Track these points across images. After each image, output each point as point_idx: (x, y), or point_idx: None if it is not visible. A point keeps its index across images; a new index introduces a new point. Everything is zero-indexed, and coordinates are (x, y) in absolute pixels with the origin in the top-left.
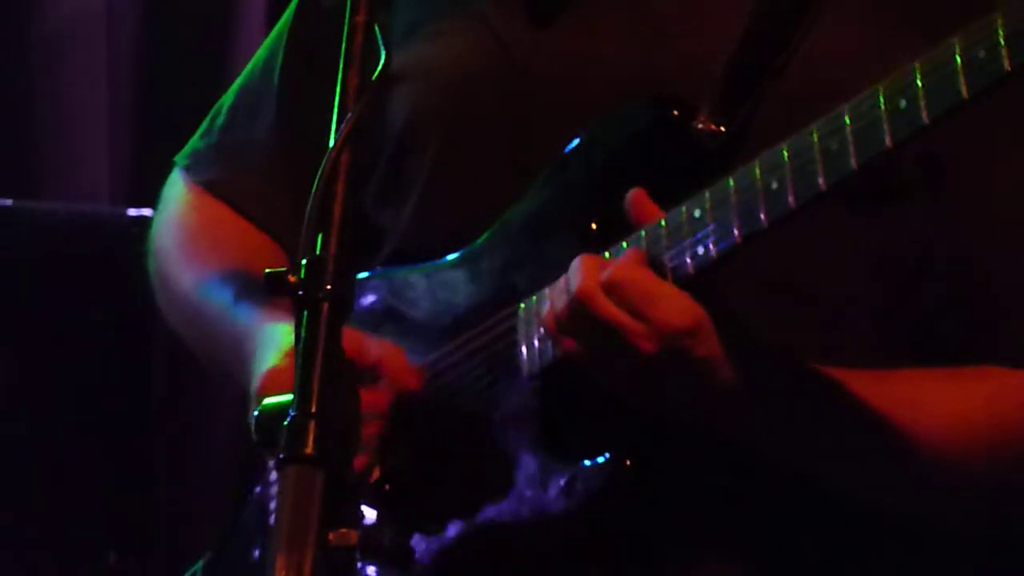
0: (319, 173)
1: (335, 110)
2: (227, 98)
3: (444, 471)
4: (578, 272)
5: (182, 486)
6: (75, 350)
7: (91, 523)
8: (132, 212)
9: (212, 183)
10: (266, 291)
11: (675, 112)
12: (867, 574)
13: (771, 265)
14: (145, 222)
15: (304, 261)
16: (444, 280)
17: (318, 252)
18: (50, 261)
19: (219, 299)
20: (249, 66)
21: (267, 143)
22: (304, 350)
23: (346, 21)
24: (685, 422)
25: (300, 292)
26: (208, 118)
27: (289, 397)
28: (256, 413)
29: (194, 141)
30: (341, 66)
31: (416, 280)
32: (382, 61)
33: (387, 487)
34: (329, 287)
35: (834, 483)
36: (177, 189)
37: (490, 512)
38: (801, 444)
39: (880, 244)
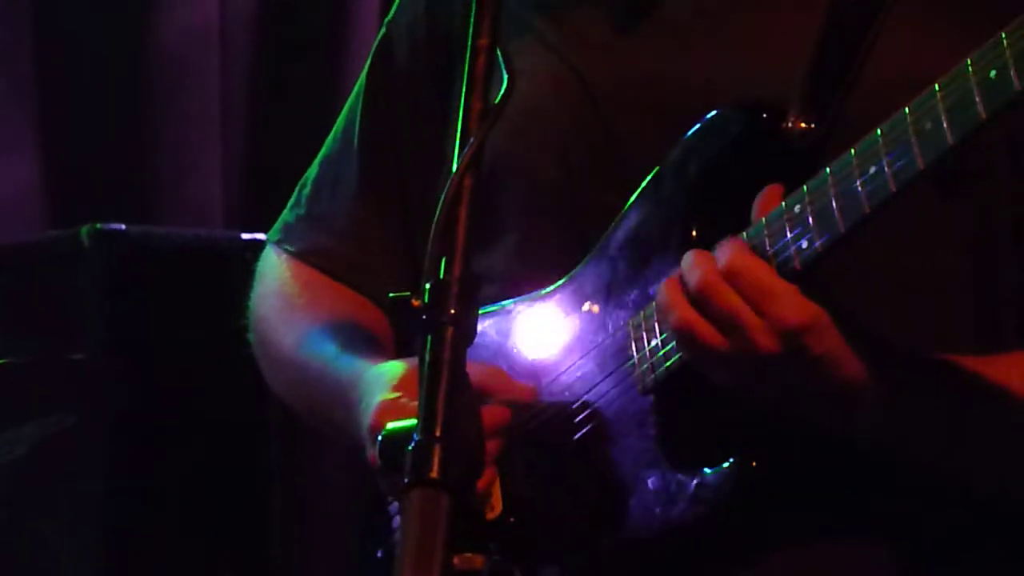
0: (442, 197)
1: (457, 134)
2: (312, 170)
3: (567, 498)
4: (694, 267)
5: (299, 508)
6: (189, 373)
7: (207, 547)
8: (245, 236)
9: (304, 252)
10: (390, 315)
11: (764, 115)
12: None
13: (869, 255)
14: (258, 246)
15: (428, 285)
16: (548, 309)
17: (441, 276)
18: (164, 285)
19: (322, 353)
20: (330, 137)
21: (352, 207)
22: (428, 374)
23: (468, 44)
24: (799, 422)
25: (424, 316)
26: (295, 192)
27: (413, 422)
28: (381, 438)
29: (284, 215)
30: (463, 90)
31: (519, 313)
32: (504, 85)
33: (511, 519)
34: (453, 311)
35: (951, 474)
36: (271, 262)
37: (618, 533)
38: (918, 436)
39: (972, 224)
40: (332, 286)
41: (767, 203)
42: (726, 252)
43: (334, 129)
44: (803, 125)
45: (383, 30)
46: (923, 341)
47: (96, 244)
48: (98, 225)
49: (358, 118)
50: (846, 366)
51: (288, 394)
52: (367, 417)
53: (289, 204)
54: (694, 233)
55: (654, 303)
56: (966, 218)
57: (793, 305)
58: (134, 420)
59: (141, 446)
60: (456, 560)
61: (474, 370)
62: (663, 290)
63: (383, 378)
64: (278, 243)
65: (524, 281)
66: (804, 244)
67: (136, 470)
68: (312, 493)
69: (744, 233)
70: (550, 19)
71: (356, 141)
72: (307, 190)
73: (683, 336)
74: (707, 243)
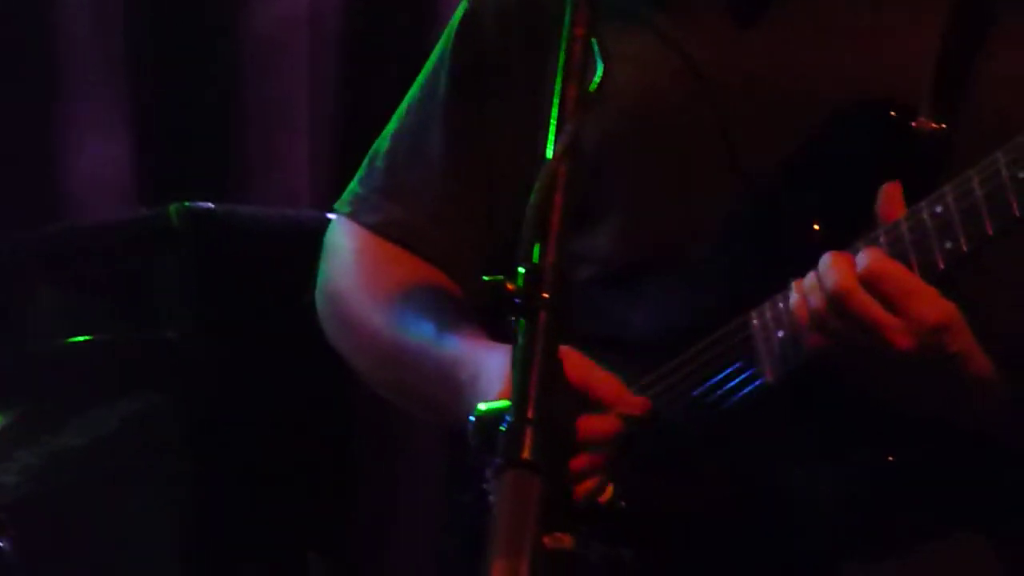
0: (537, 183)
1: (552, 121)
2: (382, 143)
3: (683, 485)
4: (832, 269)
5: (384, 487)
6: (276, 352)
7: (292, 525)
8: (333, 216)
9: (381, 225)
10: (484, 299)
11: (893, 113)
12: None
13: (987, 253)
14: None
15: (522, 270)
16: (658, 296)
17: (535, 261)
18: (251, 264)
19: (419, 333)
20: (401, 109)
21: (434, 181)
22: (521, 358)
23: (564, 33)
24: (932, 417)
25: (517, 300)
26: (365, 164)
27: (505, 403)
28: (473, 418)
29: (353, 187)
30: (559, 78)
31: (625, 298)
32: (599, 73)
33: (623, 504)
34: (546, 296)
35: None
36: (343, 236)
37: (739, 521)
38: None
39: None
40: (412, 261)
41: (889, 202)
42: (865, 256)
43: (407, 100)
44: (932, 125)
45: (465, 5)
46: None
47: (184, 223)
48: (187, 204)
49: (443, 86)
50: (977, 362)
51: (373, 367)
52: (484, 400)
53: (358, 176)
54: (816, 227)
55: (779, 296)
56: None
57: (933, 305)
58: (222, 399)
59: (229, 424)
60: (547, 540)
61: (593, 377)
62: (799, 285)
63: (499, 364)
64: (349, 216)
65: (628, 264)
66: (948, 245)
67: (223, 448)
68: (398, 472)
69: (881, 232)
70: (664, 8)
71: (441, 109)
72: (380, 162)
73: (818, 330)
74: (829, 236)
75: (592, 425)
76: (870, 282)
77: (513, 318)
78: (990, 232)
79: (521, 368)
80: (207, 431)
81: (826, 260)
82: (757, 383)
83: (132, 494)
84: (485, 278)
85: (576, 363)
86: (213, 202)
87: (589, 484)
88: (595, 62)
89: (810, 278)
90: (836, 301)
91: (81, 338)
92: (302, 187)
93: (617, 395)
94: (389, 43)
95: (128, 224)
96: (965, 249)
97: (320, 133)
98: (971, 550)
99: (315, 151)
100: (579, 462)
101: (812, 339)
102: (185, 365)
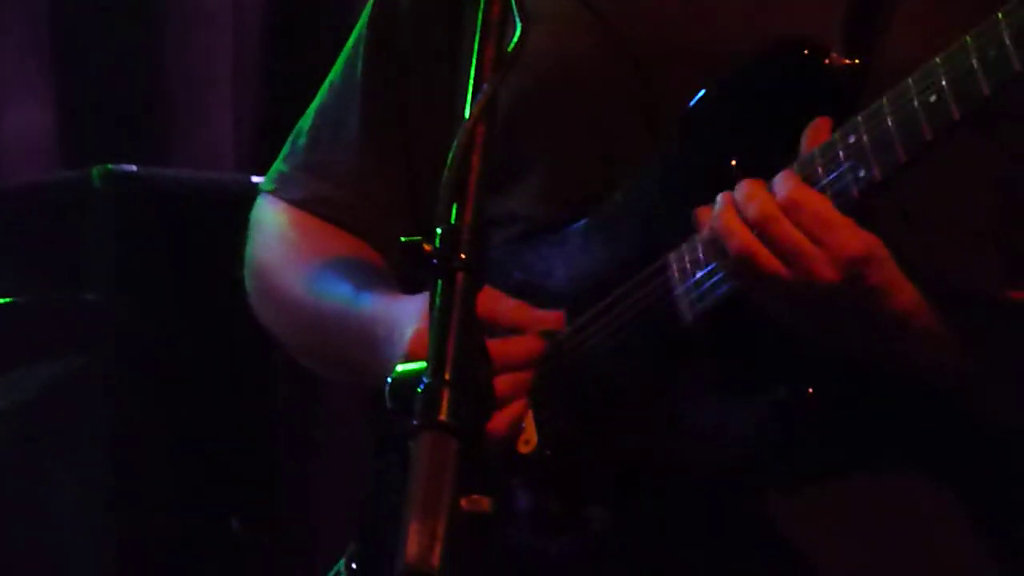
0: (455, 144)
1: (470, 81)
2: (305, 121)
3: (607, 432)
4: (751, 197)
5: (306, 452)
6: (198, 314)
7: (214, 490)
8: (256, 179)
9: (305, 201)
10: (401, 260)
11: (805, 51)
12: None
13: (900, 191)
14: None
15: (439, 230)
16: (578, 246)
17: (452, 222)
18: (173, 226)
19: (337, 293)
20: (325, 86)
21: (354, 154)
22: (438, 318)
23: None
24: (851, 354)
25: (435, 261)
26: (288, 143)
27: (423, 365)
28: (390, 380)
29: (277, 166)
30: (477, 37)
31: (546, 251)
32: (518, 33)
33: (547, 453)
34: (463, 256)
35: (997, 408)
36: (268, 212)
37: (665, 464)
38: (968, 372)
39: (1000, 162)
40: (335, 232)
41: (817, 135)
42: (783, 185)
43: (330, 78)
44: (845, 61)
45: None
46: (952, 279)
47: (107, 185)
48: (109, 166)
49: (360, 64)
50: (898, 296)
51: (296, 336)
52: (401, 348)
53: (282, 154)
54: (733, 163)
55: (700, 234)
56: (995, 157)
57: (853, 236)
58: (143, 361)
59: (150, 387)
60: (464, 502)
61: (502, 305)
62: (720, 217)
63: (413, 310)
64: (274, 193)
65: (549, 222)
66: (862, 173)
67: (145, 411)
68: (319, 437)
69: (795, 164)
70: None
71: (359, 88)
72: (303, 140)
73: (743, 262)
74: (747, 173)
75: (515, 345)
76: (790, 210)
77: (431, 279)
78: (903, 159)
79: (438, 329)
80: (128, 394)
81: (743, 189)
82: (677, 323)
83: (53, 457)
84: (403, 239)
85: (483, 295)
86: (135, 164)
87: (514, 410)
88: (514, 22)
89: (720, 213)
90: (759, 228)
91: (2, 300)
92: (225, 150)
93: (532, 316)
94: (314, 7)
95: (50, 186)
96: (879, 177)
97: (244, 96)
98: (897, 486)
99: (238, 114)
100: (503, 385)
101: (732, 275)
102: (107, 328)
